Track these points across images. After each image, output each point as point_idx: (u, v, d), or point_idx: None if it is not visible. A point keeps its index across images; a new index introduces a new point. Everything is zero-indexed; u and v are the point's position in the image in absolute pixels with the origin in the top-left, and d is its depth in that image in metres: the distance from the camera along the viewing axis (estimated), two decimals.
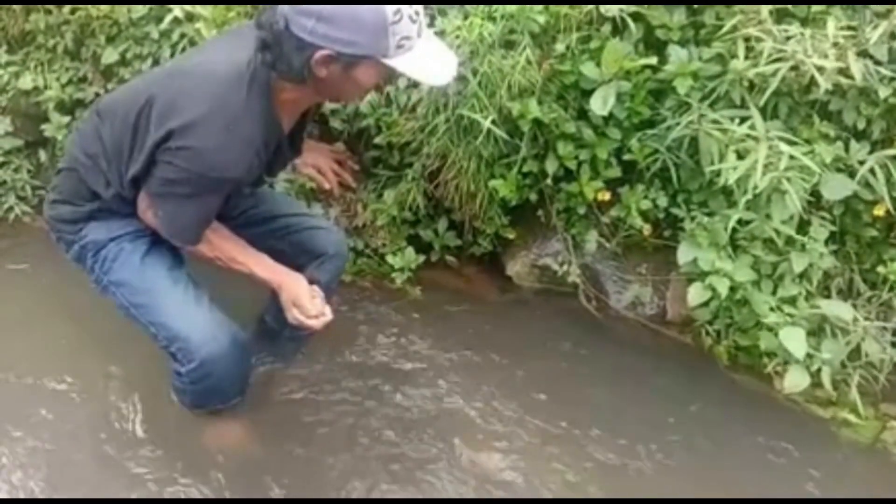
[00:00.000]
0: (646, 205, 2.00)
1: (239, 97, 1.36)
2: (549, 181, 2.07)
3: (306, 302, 1.56)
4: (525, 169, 2.07)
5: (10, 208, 2.53)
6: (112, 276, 1.61)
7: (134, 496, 1.63)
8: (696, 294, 1.85)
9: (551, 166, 2.03)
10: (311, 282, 1.69)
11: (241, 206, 1.73)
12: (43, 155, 2.58)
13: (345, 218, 2.29)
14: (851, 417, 1.85)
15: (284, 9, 1.27)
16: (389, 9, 1.25)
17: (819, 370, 1.77)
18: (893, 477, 1.72)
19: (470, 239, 2.29)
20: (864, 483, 1.71)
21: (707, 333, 2.00)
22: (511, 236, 2.24)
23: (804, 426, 1.85)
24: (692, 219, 1.91)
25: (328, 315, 1.57)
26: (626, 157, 2.00)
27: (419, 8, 1.31)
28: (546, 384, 1.95)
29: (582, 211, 2.11)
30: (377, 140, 2.20)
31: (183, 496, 1.64)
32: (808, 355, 1.75)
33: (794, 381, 1.77)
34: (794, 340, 1.73)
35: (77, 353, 1.98)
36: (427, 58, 1.33)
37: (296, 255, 1.81)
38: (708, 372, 1.99)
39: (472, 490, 1.67)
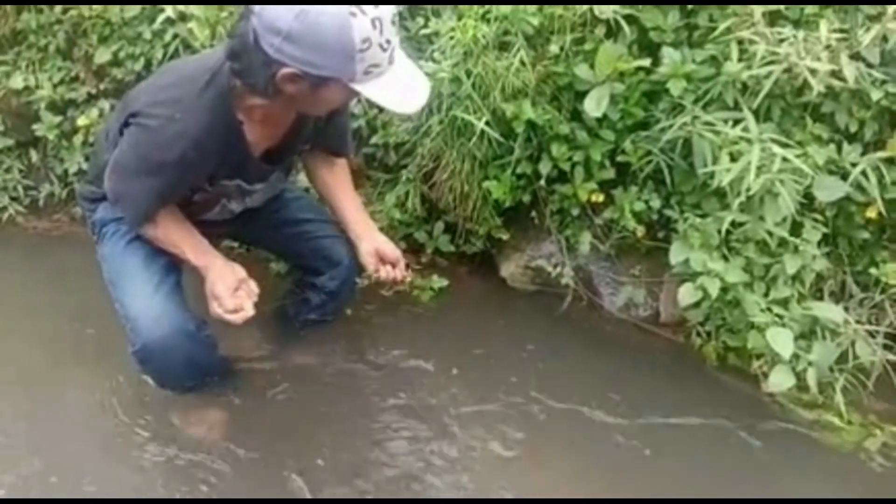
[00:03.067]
0: (639, 206, 2.00)
1: (192, 93, 1.40)
2: (542, 182, 2.08)
3: (223, 294, 1.51)
4: (519, 170, 2.07)
5: (4, 208, 2.52)
6: (101, 249, 1.72)
7: (130, 486, 1.64)
8: (686, 294, 1.85)
9: (545, 168, 2.03)
10: (320, 289, 1.82)
11: (267, 208, 1.81)
12: (34, 155, 2.57)
13: None
14: (836, 421, 1.85)
15: (255, 22, 1.26)
16: (358, 35, 1.22)
17: (805, 371, 1.77)
18: (871, 483, 1.72)
19: (463, 240, 2.29)
20: (842, 487, 1.70)
21: (698, 335, 2.01)
22: (504, 237, 2.25)
23: (787, 429, 1.85)
24: (685, 220, 1.91)
25: (247, 311, 1.50)
26: (620, 158, 2.00)
27: (391, 35, 1.27)
28: (538, 385, 1.95)
29: (575, 212, 2.12)
30: (374, 140, 2.20)
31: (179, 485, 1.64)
32: (795, 356, 1.75)
33: (778, 380, 1.77)
34: (781, 340, 1.73)
35: (70, 351, 1.98)
36: (397, 85, 1.31)
37: (314, 259, 1.91)
38: (698, 373, 1.99)
39: (469, 490, 1.67)
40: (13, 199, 2.55)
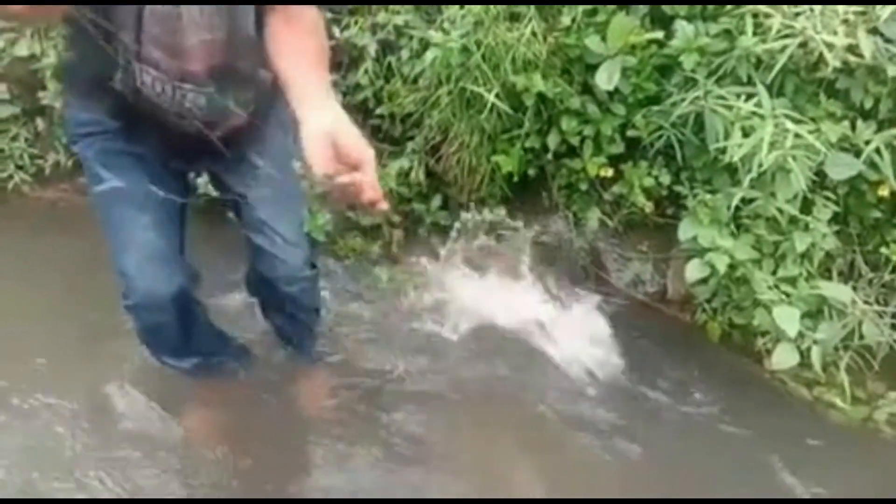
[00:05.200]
0: (649, 182, 1.99)
1: None
2: (550, 156, 2.06)
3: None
4: (527, 144, 2.05)
5: (10, 177, 2.51)
6: (90, 192, 1.48)
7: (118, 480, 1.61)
8: (694, 270, 1.84)
9: (553, 141, 2.01)
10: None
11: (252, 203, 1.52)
12: (41, 123, 2.55)
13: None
14: (838, 400, 1.85)
15: None
16: None
17: (809, 350, 1.76)
18: (883, 454, 1.72)
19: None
20: (854, 462, 1.71)
21: (704, 311, 2.00)
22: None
23: (791, 406, 1.85)
24: (695, 196, 1.89)
25: None
26: (631, 133, 1.98)
27: None
28: (541, 362, 1.94)
29: (584, 187, 2.10)
30: (379, 110, 2.18)
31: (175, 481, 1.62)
32: (800, 334, 1.75)
33: (782, 358, 1.77)
34: (787, 318, 1.73)
35: (76, 323, 1.97)
36: None
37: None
38: (701, 350, 1.99)
39: (467, 484, 1.63)
40: (19, 167, 2.53)
